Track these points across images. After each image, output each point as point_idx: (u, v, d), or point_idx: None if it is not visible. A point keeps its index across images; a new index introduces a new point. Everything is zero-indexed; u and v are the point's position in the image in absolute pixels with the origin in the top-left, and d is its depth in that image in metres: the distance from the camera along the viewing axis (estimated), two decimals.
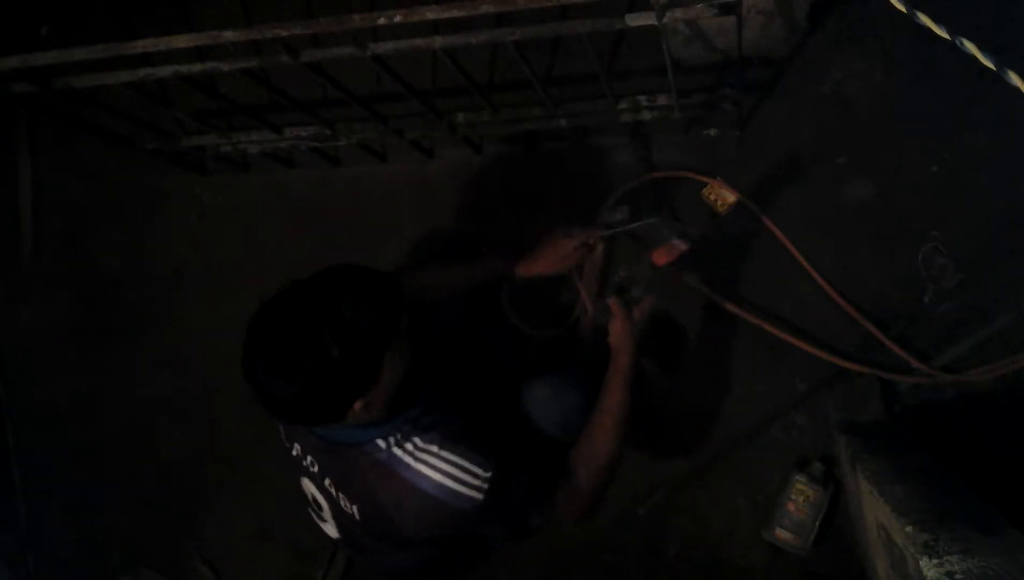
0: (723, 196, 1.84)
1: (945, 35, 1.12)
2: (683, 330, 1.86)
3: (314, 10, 2.08)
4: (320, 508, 1.38)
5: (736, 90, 1.67)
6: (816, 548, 1.75)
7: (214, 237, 2.22)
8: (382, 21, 1.30)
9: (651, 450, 1.89)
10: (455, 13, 1.25)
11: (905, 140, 1.76)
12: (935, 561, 1.10)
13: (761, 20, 1.67)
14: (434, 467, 1.24)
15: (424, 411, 1.29)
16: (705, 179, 1.84)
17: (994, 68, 1.09)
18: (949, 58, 1.71)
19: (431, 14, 1.27)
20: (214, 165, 2.17)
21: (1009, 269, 1.69)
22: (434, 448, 1.25)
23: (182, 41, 1.37)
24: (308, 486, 1.38)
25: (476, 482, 1.24)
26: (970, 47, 1.11)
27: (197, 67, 1.51)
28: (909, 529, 1.20)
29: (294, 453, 1.35)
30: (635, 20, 1.30)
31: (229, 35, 1.35)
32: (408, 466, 1.24)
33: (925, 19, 1.14)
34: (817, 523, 1.73)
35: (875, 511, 1.42)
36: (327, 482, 1.32)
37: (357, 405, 1.17)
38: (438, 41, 1.41)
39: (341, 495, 1.30)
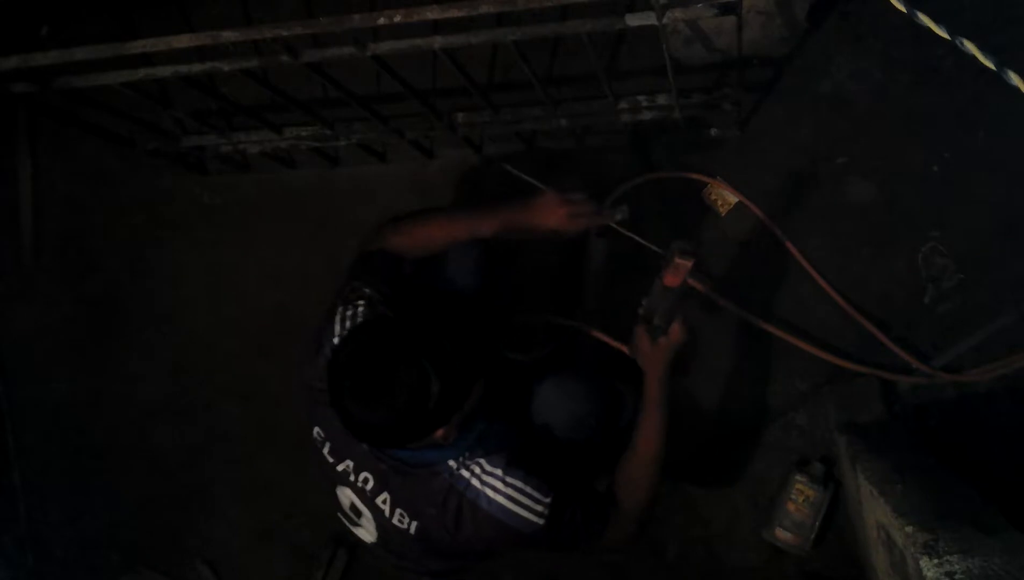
0: (723, 196, 1.84)
1: (945, 35, 1.12)
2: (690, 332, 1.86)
3: (314, 10, 2.08)
4: (358, 515, 1.39)
5: (736, 90, 1.67)
6: (816, 548, 1.75)
7: (214, 237, 2.22)
8: (382, 21, 1.30)
9: None
10: (455, 13, 1.25)
11: (905, 140, 1.76)
12: (935, 561, 1.11)
13: (761, 20, 1.67)
14: (499, 491, 1.27)
15: (485, 428, 1.32)
16: (705, 179, 1.84)
17: (994, 68, 1.09)
18: (949, 58, 1.71)
19: (431, 14, 1.27)
20: (214, 165, 2.16)
21: (1009, 269, 1.69)
22: (499, 472, 1.28)
23: (182, 41, 1.36)
24: (348, 496, 1.38)
25: (538, 507, 1.28)
26: (970, 47, 1.11)
27: (197, 67, 1.51)
28: (909, 529, 1.20)
29: (339, 468, 1.35)
30: (635, 20, 1.30)
31: (229, 35, 1.35)
32: (474, 488, 1.28)
33: (925, 19, 1.14)
34: (817, 523, 1.73)
35: (875, 511, 1.42)
36: (382, 498, 1.32)
37: (439, 432, 1.19)
38: (438, 41, 1.41)
39: (398, 511, 1.32)
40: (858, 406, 1.73)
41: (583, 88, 1.87)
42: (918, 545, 1.15)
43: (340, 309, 1.37)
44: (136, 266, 2.28)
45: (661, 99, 1.68)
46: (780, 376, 1.82)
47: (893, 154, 1.76)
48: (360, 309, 1.36)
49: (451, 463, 1.29)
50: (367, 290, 1.38)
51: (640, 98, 1.69)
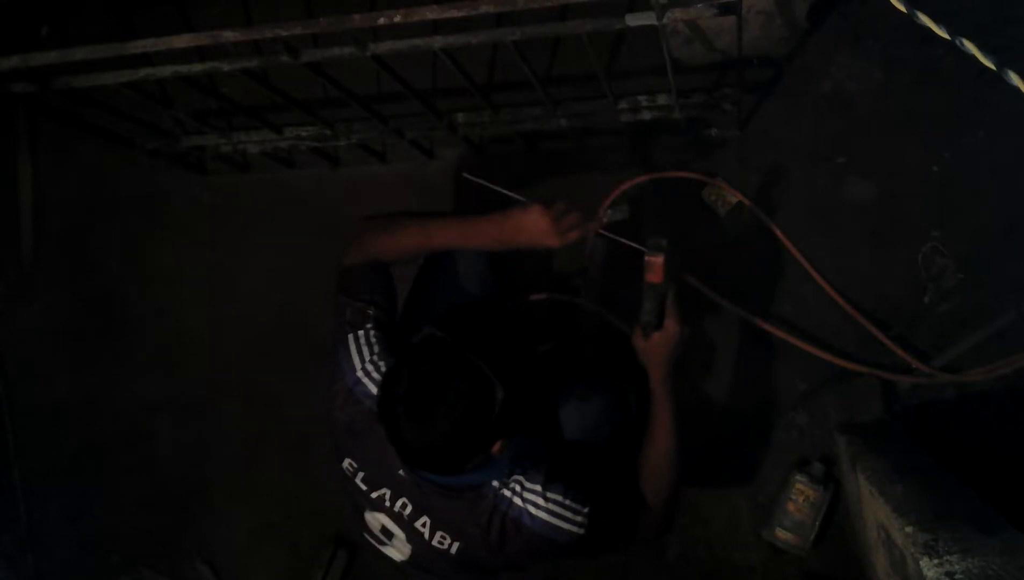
0: (723, 196, 1.84)
1: (945, 35, 1.13)
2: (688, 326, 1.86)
3: (314, 10, 2.08)
4: (389, 536, 1.39)
5: (736, 90, 1.67)
6: (816, 548, 1.75)
7: (214, 237, 2.22)
8: (382, 21, 1.30)
9: None
10: (455, 13, 1.25)
11: (905, 140, 1.76)
12: (935, 561, 1.11)
13: (761, 20, 1.67)
14: (540, 507, 1.29)
15: (521, 443, 1.32)
16: (705, 179, 1.84)
17: (994, 68, 1.09)
18: (949, 58, 1.71)
19: (431, 14, 1.27)
20: (214, 165, 2.16)
21: (1009, 269, 1.69)
22: (539, 488, 1.29)
23: (182, 41, 1.36)
24: (379, 519, 1.37)
25: (578, 518, 1.29)
26: (970, 47, 1.11)
27: (197, 67, 1.51)
28: (909, 529, 1.20)
29: (375, 495, 1.34)
30: (635, 20, 1.30)
31: (229, 35, 1.35)
32: (516, 507, 1.29)
33: (925, 19, 1.14)
34: (817, 523, 1.73)
35: (875, 511, 1.42)
36: (422, 522, 1.32)
37: (495, 447, 1.19)
38: (438, 41, 1.41)
39: (439, 534, 1.32)
40: (858, 406, 1.73)
41: (583, 88, 1.87)
42: (918, 545, 1.15)
43: (351, 337, 1.37)
44: (136, 266, 2.28)
45: (661, 99, 1.68)
46: (780, 376, 1.82)
47: (893, 154, 1.76)
48: (372, 332, 1.36)
49: (495, 483, 1.29)
50: (370, 311, 1.38)
51: (640, 98, 1.69)
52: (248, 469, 2.18)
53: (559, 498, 1.29)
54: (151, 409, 2.25)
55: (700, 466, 1.86)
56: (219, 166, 2.15)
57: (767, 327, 1.78)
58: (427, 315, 1.30)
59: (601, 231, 1.61)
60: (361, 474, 1.35)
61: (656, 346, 1.44)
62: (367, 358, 1.35)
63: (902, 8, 1.14)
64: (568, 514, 1.29)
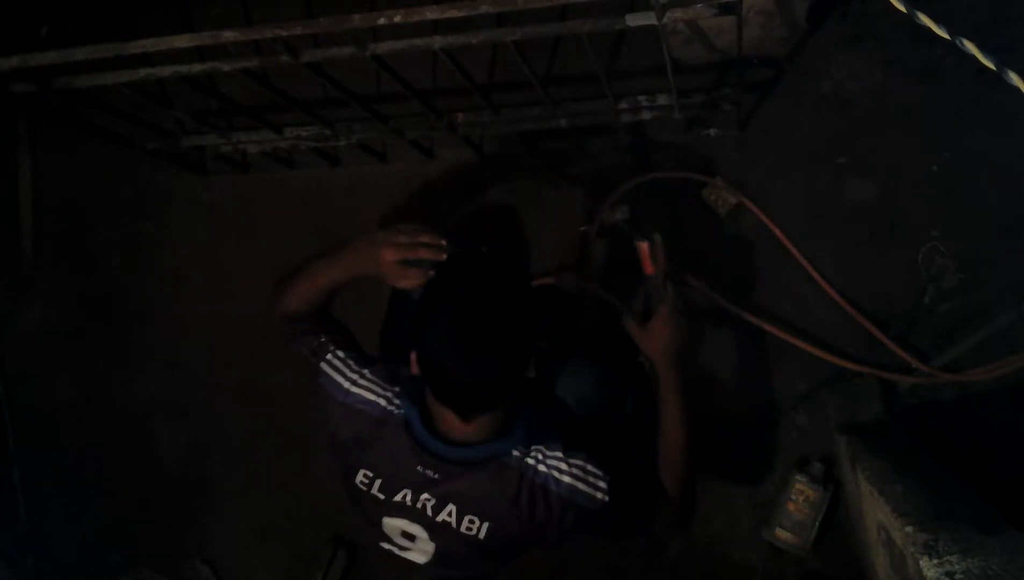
0: (723, 196, 1.84)
1: (945, 35, 1.12)
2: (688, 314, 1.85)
3: (314, 10, 2.08)
4: (411, 539, 1.39)
5: (736, 90, 1.67)
6: (816, 548, 1.75)
7: (214, 237, 2.22)
8: (382, 21, 1.30)
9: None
10: (455, 13, 1.25)
11: (905, 140, 1.76)
12: (935, 561, 1.11)
13: (761, 20, 1.67)
14: (564, 471, 1.30)
15: (531, 414, 1.35)
16: (705, 179, 1.84)
17: (994, 68, 1.09)
18: (949, 58, 1.71)
19: (431, 14, 1.27)
20: (214, 165, 2.16)
21: (1009, 269, 1.69)
22: (559, 454, 1.31)
23: (182, 41, 1.37)
24: (398, 524, 1.38)
25: (602, 484, 1.31)
26: (970, 47, 1.11)
27: (197, 67, 1.51)
28: (909, 529, 1.20)
29: (396, 499, 1.34)
30: (635, 20, 1.30)
31: (229, 35, 1.35)
32: (542, 473, 1.30)
33: (925, 19, 1.14)
34: (817, 523, 1.73)
35: (875, 511, 1.42)
36: (447, 511, 1.32)
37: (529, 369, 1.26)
38: (438, 41, 1.41)
39: (467, 518, 1.32)
40: (858, 406, 1.73)
41: (583, 88, 1.87)
42: (918, 545, 1.15)
43: (323, 365, 1.39)
44: (136, 266, 2.28)
45: (661, 99, 1.68)
46: (780, 376, 1.82)
47: (893, 154, 1.76)
48: (338, 352, 1.39)
49: (516, 453, 1.30)
50: (323, 338, 1.42)
51: (640, 98, 1.70)
52: (248, 469, 2.18)
53: (581, 463, 1.31)
54: (151, 409, 2.25)
55: (700, 466, 1.86)
56: (219, 166, 2.15)
57: (767, 327, 1.78)
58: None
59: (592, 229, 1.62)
60: (378, 482, 1.34)
61: (653, 337, 1.44)
62: (347, 373, 1.37)
63: (902, 8, 1.14)
64: (591, 479, 1.30)
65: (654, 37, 1.38)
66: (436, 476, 1.30)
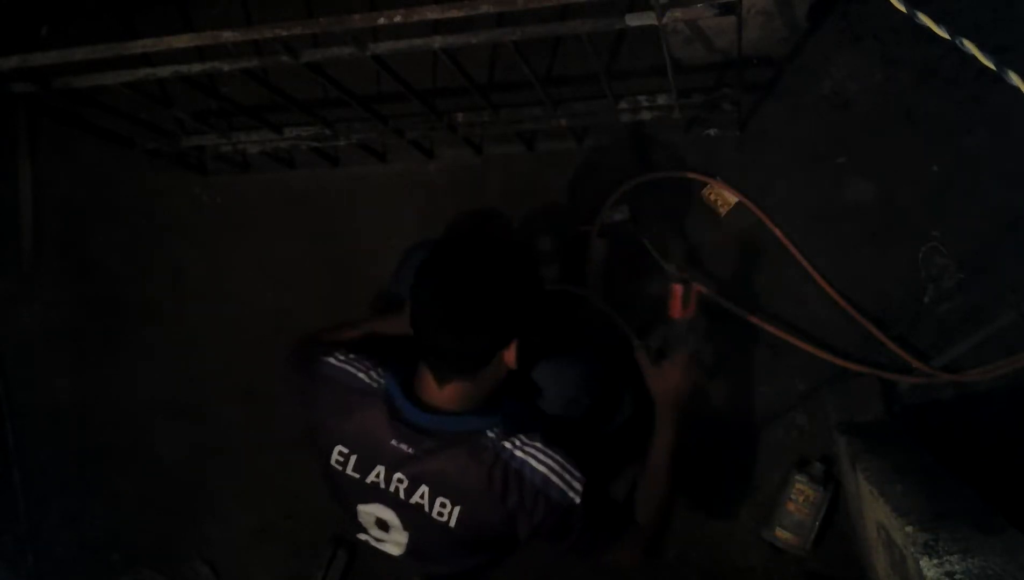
0: (723, 196, 1.84)
1: (945, 35, 1.12)
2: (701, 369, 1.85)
3: (314, 10, 2.08)
4: (385, 529, 1.39)
5: (736, 90, 1.67)
6: (816, 548, 1.75)
7: (214, 237, 2.22)
8: (382, 21, 1.30)
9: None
10: (455, 13, 1.25)
11: (905, 140, 1.76)
12: (935, 561, 1.10)
13: (761, 20, 1.67)
14: (540, 461, 1.29)
15: (512, 406, 1.37)
16: (705, 179, 1.84)
17: (994, 68, 1.09)
18: (949, 58, 1.71)
19: (431, 14, 1.27)
20: (214, 165, 2.16)
21: (1009, 269, 1.69)
22: (539, 444, 1.30)
23: (182, 41, 1.36)
24: (373, 511, 1.38)
25: (576, 484, 1.29)
26: (970, 47, 1.11)
27: (197, 67, 1.51)
28: (909, 529, 1.20)
29: (369, 480, 1.34)
30: (635, 20, 1.30)
31: (229, 35, 1.35)
32: (518, 458, 1.29)
33: (925, 19, 1.14)
34: (817, 523, 1.73)
35: (875, 511, 1.42)
36: (420, 494, 1.32)
37: (509, 353, 1.27)
38: (438, 41, 1.41)
39: (439, 499, 1.32)
40: (858, 406, 1.73)
41: (583, 88, 1.87)
42: (918, 545, 1.15)
43: (323, 356, 1.40)
44: (136, 266, 2.28)
45: (661, 99, 1.68)
46: (780, 376, 1.82)
47: (893, 154, 1.76)
48: (334, 350, 1.40)
49: (491, 434, 1.30)
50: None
51: (640, 98, 1.70)
52: (248, 469, 2.18)
53: (559, 456, 1.30)
54: (151, 409, 2.25)
55: (700, 466, 1.87)
56: (219, 166, 2.15)
57: (767, 327, 1.78)
58: None
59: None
60: (353, 458, 1.35)
61: (664, 378, 1.48)
62: (337, 355, 1.39)
63: (902, 8, 1.14)
64: (567, 475, 1.29)
65: (654, 37, 1.38)
66: (410, 451, 1.30)
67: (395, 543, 1.40)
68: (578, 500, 1.29)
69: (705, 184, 1.85)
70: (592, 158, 1.94)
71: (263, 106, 1.87)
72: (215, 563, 2.22)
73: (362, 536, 1.44)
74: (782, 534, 1.75)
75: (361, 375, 1.36)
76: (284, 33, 1.33)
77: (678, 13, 1.28)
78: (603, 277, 1.90)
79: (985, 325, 1.69)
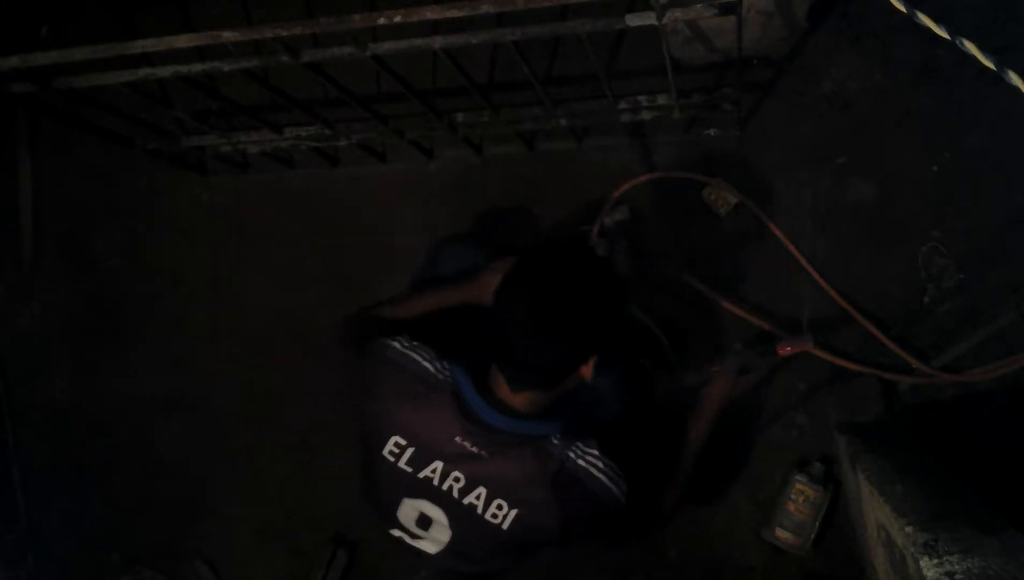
0: (723, 196, 1.84)
1: (945, 35, 1.12)
2: (684, 331, 1.86)
3: (314, 10, 2.08)
4: (426, 526, 1.38)
5: (736, 90, 1.67)
6: (816, 548, 1.75)
7: (214, 237, 2.22)
8: (382, 21, 1.30)
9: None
10: (455, 13, 1.25)
11: (905, 140, 1.76)
12: (935, 561, 1.10)
13: (761, 20, 1.67)
14: (599, 469, 1.31)
15: (569, 412, 1.37)
16: (705, 179, 1.84)
17: (994, 68, 1.09)
18: (949, 58, 1.71)
19: (431, 14, 1.27)
20: (214, 165, 2.16)
21: (1009, 269, 1.69)
22: (596, 452, 1.32)
23: (182, 41, 1.36)
24: (417, 507, 1.36)
25: (624, 486, 1.32)
26: (970, 47, 1.11)
27: (197, 67, 1.51)
28: (909, 529, 1.20)
29: (422, 475, 1.33)
30: (635, 20, 1.30)
31: (229, 35, 1.35)
32: (580, 466, 1.30)
33: (925, 19, 1.13)
34: (817, 523, 1.73)
35: (875, 511, 1.42)
36: (476, 494, 1.32)
37: (587, 367, 1.27)
38: (438, 41, 1.41)
39: (496, 502, 1.32)
40: (858, 406, 1.73)
41: (583, 88, 1.87)
42: (918, 545, 1.15)
43: (384, 338, 1.38)
44: (136, 266, 2.28)
45: (661, 99, 1.68)
46: (780, 376, 1.82)
47: (893, 154, 1.77)
48: (398, 336, 1.38)
49: (556, 442, 1.31)
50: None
51: (640, 98, 1.70)
52: (248, 469, 2.18)
53: (613, 464, 1.32)
54: (151, 409, 2.25)
55: (700, 466, 1.86)
56: (219, 166, 2.15)
57: (767, 327, 1.78)
58: None
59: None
60: (410, 451, 1.32)
61: (722, 381, 1.55)
62: (403, 341, 1.37)
63: (902, 8, 1.13)
64: (620, 481, 1.32)
65: (654, 37, 1.38)
66: (474, 450, 1.29)
67: (434, 541, 1.39)
68: (624, 501, 1.32)
69: (705, 184, 1.85)
70: (592, 158, 1.94)
71: (263, 106, 1.87)
72: (215, 563, 2.22)
73: (395, 532, 1.42)
74: (782, 534, 1.75)
75: (427, 365, 1.34)
76: (284, 33, 1.33)
77: (678, 13, 1.28)
78: None
79: (985, 325, 1.69)
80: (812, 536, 1.74)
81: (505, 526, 1.32)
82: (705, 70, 1.83)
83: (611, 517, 1.33)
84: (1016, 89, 1.07)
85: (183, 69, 1.52)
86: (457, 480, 1.31)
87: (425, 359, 1.35)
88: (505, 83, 1.98)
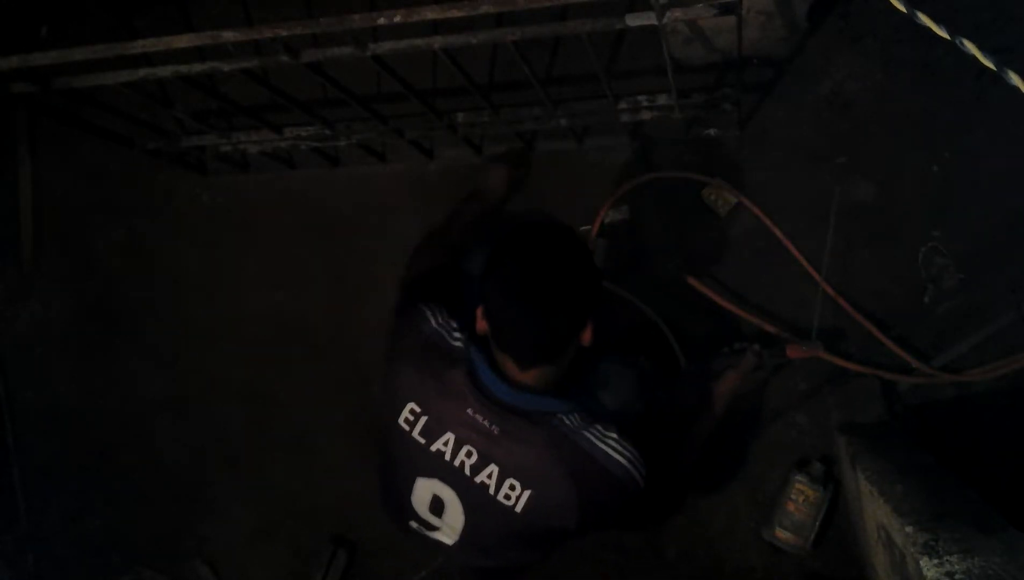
0: (723, 196, 1.84)
1: (945, 35, 1.12)
2: (683, 331, 1.86)
3: (314, 10, 2.08)
4: (440, 511, 1.38)
5: (736, 90, 1.67)
6: (816, 548, 1.75)
7: (214, 237, 2.22)
8: (382, 21, 1.30)
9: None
10: (455, 13, 1.25)
11: (905, 140, 1.76)
12: (935, 561, 1.11)
13: (761, 20, 1.67)
14: (617, 451, 1.31)
15: (583, 397, 1.39)
16: (705, 179, 1.84)
17: (994, 68, 1.09)
18: (949, 58, 1.71)
19: (431, 14, 1.27)
20: (214, 165, 2.16)
21: (1009, 269, 1.69)
22: (615, 435, 1.32)
23: (182, 41, 1.36)
24: (431, 486, 1.37)
25: (643, 470, 1.32)
26: (970, 47, 1.11)
27: (197, 67, 1.51)
28: (909, 529, 1.20)
29: (434, 448, 1.34)
30: (635, 20, 1.30)
31: (229, 35, 1.35)
32: (599, 447, 1.30)
33: (925, 19, 1.14)
34: (817, 523, 1.73)
35: (875, 511, 1.42)
36: (488, 473, 1.32)
37: (586, 333, 1.29)
38: (438, 41, 1.41)
39: (509, 481, 1.31)
40: (858, 406, 1.73)
41: (583, 88, 1.87)
42: (918, 545, 1.15)
43: (421, 304, 1.42)
44: (136, 266, 2.28)
45: (661, 99, 1.68)
46: (780, 376, 1.82)
47: (893, 154, 1.77)
48: (434, 305, 1.42)
49: (569, 422, 1.31)
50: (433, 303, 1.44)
51: (640, 98, 1.69)
52: (248, 469, 2.19)
53: (632, 447, 1.32)
54: (151, 409, 2.25)
55: (700, 466, 1.86)
56: (219, 166, 2.15)
57: (767, 327, 1.78)
58: None
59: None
60: (424, 420, 1.34)
61: (739, 370, 1.57)
62: (437, 314, 1.40)
63: (902, 8, 1.13)
64: (639, 464, 1.31)
65: (654, 37, 1.38)
66: (486, 423, 1.30)
67: (449, 528, 1.39)
68: (643, 484, 1.32)
69: (705, 184, 1.85)
70: (592, 158, 1.94)
71: (263, 106, 1.87)
72: (215, 563, 2.22)
73: (413, 524, 1.43)
74: (782, 534, 1.75)
75: (451, 342, 1.37)
76: (284, 33, 1.33)
77: (678, 13, 1.28)
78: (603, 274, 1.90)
79: (985, 325, 1.69)
80: (812, 536, 1.74)
81: (519, 509, 1.31)
82: (705, 70, 1.83)
83: (630, 500, 1.32)
84: (1016, 89, 1.07)
85: (183, 69, 1.52)
86: (469, 455, 1.31)
87: (451, 337, 1.38)
88: (505, 83, 1.98)
